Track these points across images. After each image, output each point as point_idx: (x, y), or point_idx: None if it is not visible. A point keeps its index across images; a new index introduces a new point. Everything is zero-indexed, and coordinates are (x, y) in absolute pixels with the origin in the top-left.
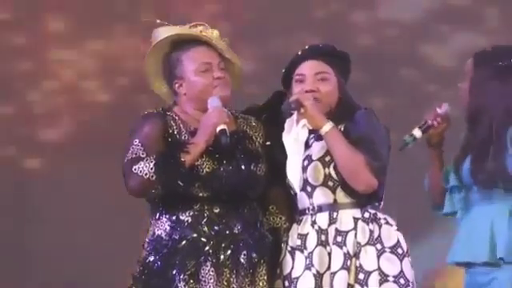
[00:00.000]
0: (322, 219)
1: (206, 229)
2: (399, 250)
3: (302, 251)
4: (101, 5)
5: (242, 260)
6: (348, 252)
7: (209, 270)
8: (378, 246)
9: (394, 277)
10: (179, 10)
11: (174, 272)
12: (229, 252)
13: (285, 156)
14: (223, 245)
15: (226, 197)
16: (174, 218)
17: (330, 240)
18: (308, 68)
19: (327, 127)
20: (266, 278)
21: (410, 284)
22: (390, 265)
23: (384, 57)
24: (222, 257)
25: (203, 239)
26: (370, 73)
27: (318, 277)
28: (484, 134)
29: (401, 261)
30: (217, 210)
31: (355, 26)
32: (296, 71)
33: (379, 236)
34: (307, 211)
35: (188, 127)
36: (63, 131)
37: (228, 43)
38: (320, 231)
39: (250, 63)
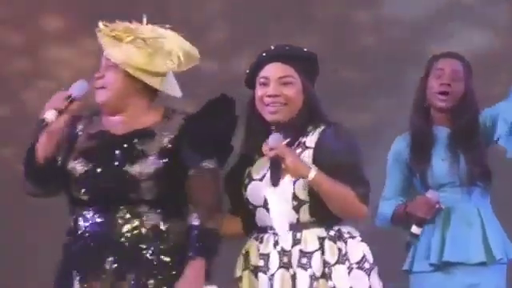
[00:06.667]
0: (285, 240)
1: (80, 234)
2: (366, 265)
3: (264, 272)
4: (99, 4)
5: (108, 267)
6: (314, 274)
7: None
8: (347, 264)
9: None
10: (179, 11)
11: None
12: (107, 261)
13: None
14: (97, 252)
15: (107, 200)
16: (71, 220)
17: (294, 262)
18: (272, 71)
19: (312, 174)
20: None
21: None
22: (359, 283)
23: (388, 56)
24: (103, 266)
25: (74, 247)
26: (373, 73)
27: None
28: None
29: (368, 275)
30: (97, 215)
31: (358, 26)
32: (260, 73)
33: (346, 253)
34: (268, 230)
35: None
36: None
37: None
38: (282, 252)
39: (249, 63)
